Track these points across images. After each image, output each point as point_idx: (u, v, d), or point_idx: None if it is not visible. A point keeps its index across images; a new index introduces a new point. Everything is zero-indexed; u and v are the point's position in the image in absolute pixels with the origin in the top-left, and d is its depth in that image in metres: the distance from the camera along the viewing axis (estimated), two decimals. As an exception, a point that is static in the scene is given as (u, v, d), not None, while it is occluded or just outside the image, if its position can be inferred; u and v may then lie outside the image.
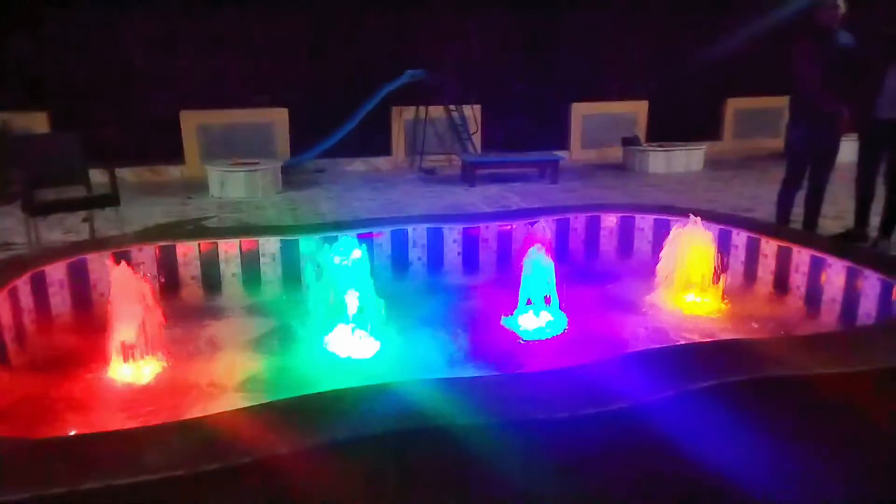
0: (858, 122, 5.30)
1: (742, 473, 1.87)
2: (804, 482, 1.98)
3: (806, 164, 5.44)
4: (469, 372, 2.72)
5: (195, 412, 2.32)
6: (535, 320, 3.16)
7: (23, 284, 2.97)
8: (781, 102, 11.69)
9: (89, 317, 3.17)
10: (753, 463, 1.90)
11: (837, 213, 6.31)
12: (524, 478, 1.73)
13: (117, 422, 2.33)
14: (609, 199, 8.06)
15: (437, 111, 10.89)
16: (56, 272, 3.19)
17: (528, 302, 3.19)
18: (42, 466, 1.46)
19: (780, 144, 11.39)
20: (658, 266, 3.53)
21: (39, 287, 3.09)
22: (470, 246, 4.05)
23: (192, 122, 10.09)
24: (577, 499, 1.80)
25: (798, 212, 5.56)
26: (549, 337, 3.08)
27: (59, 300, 3.20)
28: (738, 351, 2.11)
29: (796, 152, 5.49)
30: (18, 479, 1.42)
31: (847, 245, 4.24)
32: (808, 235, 4.07)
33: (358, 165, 10.95)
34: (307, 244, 3.72)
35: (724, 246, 3.74)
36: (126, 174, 9.32)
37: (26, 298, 2.98)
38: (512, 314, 3.22)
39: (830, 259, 3.18)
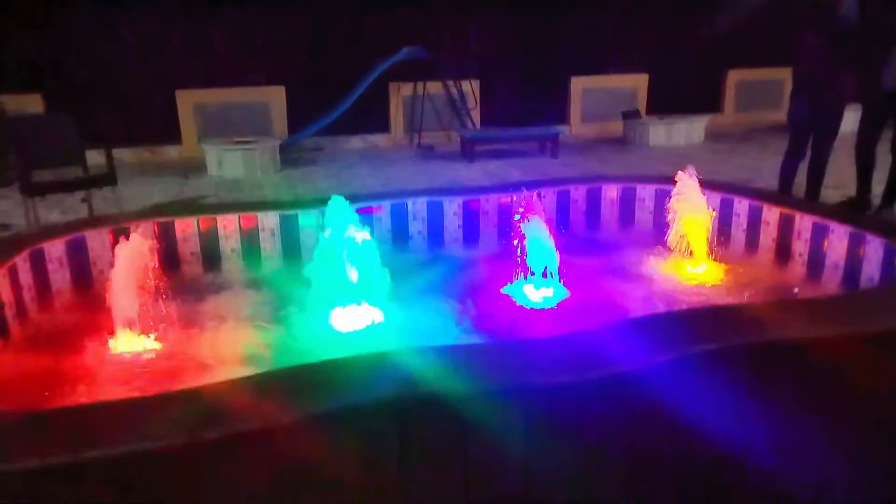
0: (862, 92, 5.24)
1: (741, 436, 1.87)
2: (803, 444, 1.98)
3: (808, 135, 5.39)
4: (470, 341, 2.72)
5: (196, 385, 2.32)
6: (535, 291, 3.16)
7: (22, 262, 2.96)
8: (783, 74, 11.57)
9: (89, 293, 3.17)
10: (753, 426, 1.90)
11: (838, 183, 6.26)
12: (525, 444, 1.73)
13: (118, 395, 2.33)
14: (610, 172, 8.01)
15: (435, 87, 10.78)
16: (55, 249, 3.18)
17: (529, 273, 3.18)
18: (43, 437, 1.46)
19: (782, 117, 11.31)
20: (663, 234, 3.51)
21: (39, 264, 3.08)
22: (470, 219, 4.03)
23: (188, 101, 10.00)
24: (577, 464, 1.80)
25: (800, 182, 5.53)
26: (550, 306, 3.07)
27: (59, 277, 3.19)
28: (738, 315, 2.10)
29: (798, 123, 5.44)
30: (20, 450, 1.42)
31: (849, 211, 4.22)
32: (811, 203, 4.04)
33: (356, 143, 10.88)
34: (306, 219, 3.70)
35: (725, 214, 3.72)
36: (123, 155, 9.26)
37: (26, 276, 2.97)
38: (512, 284, 3.21)
39: (833, 225, 3.17)
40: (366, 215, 3.79)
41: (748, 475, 1.94)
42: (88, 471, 1.42)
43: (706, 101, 12.24)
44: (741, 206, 3.73)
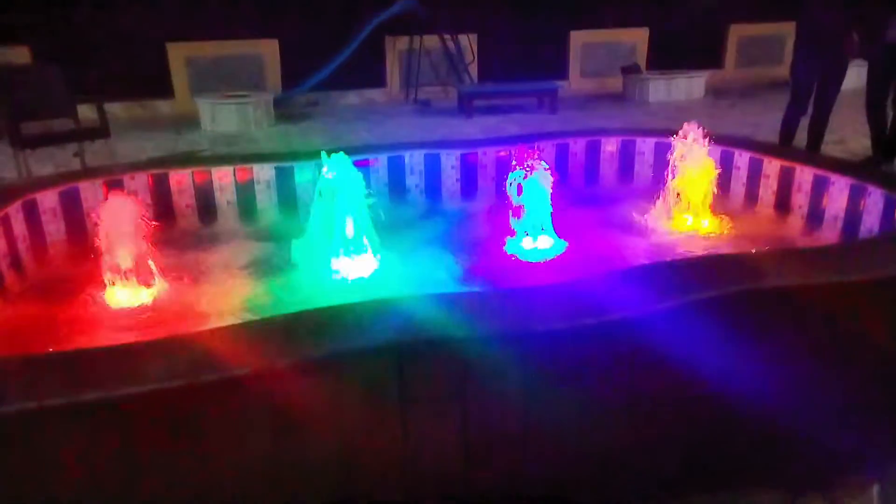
0: (866, 49, 5.15)
1: (738, 381, 1.88)
2: (799, 387, 2.00)
3: (811, 89, 5.31)
4: (466, 290, 2.71)
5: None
6: (532, 243, 3.14)
7: (15, 212, 2.93)
8: (786, 29, 11.39)
9: (84, 244, 3.14)
10: (750, 370, 1.91)
11: (839, 138, 6.22)
12: (524, 388, 1.74)
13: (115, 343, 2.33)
14: (609, 127, 7.92)
15: (431, 41, 10.57)
16: (48, 200, 3.14)
17: (526, 226, 3.16)
18: (41, 380, 1.45)
19: (785, 73, 11.18)
20: (662, 187, 3.48)
21: (32, 215, 3.04)
22: (468, 172, 3.98)
23: (179, 55, 9.81)
24: (576, 408, 1.81)
25: (801, 137, 5.47)
26: (547, 259, 3.06)
27: (54, 228, 3.16)
28: (736, 263, 2.09)
29: (802, 78, 5.35)
30: (19, 392, 1.41)
31: (849, 163, 4.19)
32: (811, 155, 4.00)
33: (352, 98, 10.72)
34: (302, 171, 3.66)
35: (725, 166, 3.69)
36: (115, 109, 9.10)
37: (20, 226, 2.94)
38: (510, 238, 3.19)
39: (834, 177, 3.14)
40: (363, 168, 3.74)
41: (745, 418, 1.96)
42: (86, 413, 1.42)
43: (707, 56, 12.05)
44: (741, 159, 3.70)
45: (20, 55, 8.99)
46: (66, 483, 1.47)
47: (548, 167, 3.13)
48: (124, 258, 2.68)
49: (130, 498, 1.51)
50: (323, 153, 2.92)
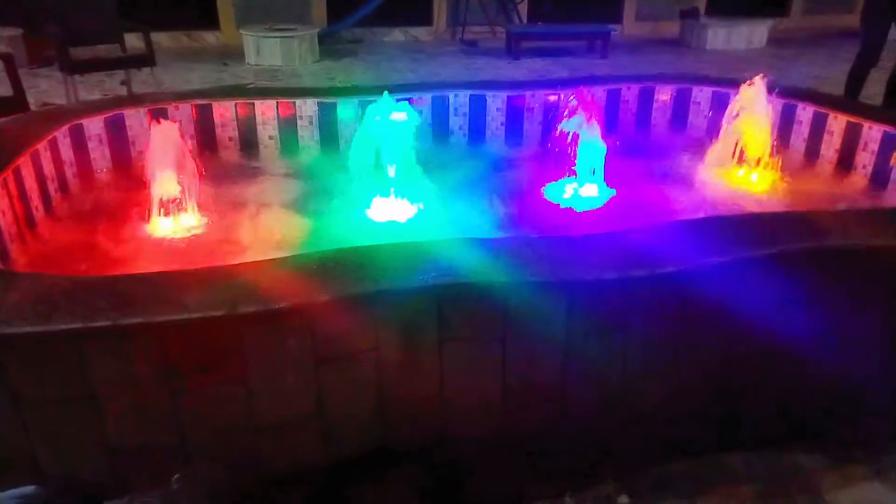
0: None
1: (788, 344, 1.82)
2: (852, 357, 1.92)
3: (884, 39, 4.94)
4: (509, 235, 2.66)
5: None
6: (580, 190, 3.05)
7: (62, 136, 2.95)
8: (860, -27, 10.67)
9: (128, 171, 3.16)
10: (802, 335, 1.84)
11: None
12: (565, 335, 1.70)
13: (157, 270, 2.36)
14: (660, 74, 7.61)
15: (481, -23, 10.21)
16: (94, 126, 3.16)
17: (573, 173, 3.07)
18: (87, 301, 1.47)
19: (854, 22, 10.52)
20: (717, 140, 3.33)
21: (79, 140, 3.07)
22: (514, 115, 3.87)
23: (226, -16, 9.67)
24: (618, 359, 1.77)
25: (870, 93, 5.14)
26: (594, 207, 2.97)
27: (99, 154, 3.19)
28: (797, 221, 1.99)
29: (874, 27, 4.97)
30: (66, 312, 1.43)
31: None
32: (881, 110, 3.76)
33: (397, 35, 10.48)
34: (345, 108, 3.60)
35: (786, 120, 3.50)
36: (161, 39, 9.08)
37: (66, 150, 2.97)
38: (556, 183, 3.11)
39: (905, 135, 2.95)
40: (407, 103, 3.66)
41: (792, 378, 1.90)
42: (129, 336, 1.43)
43: (772, 2, 11.38)
44: (805, 113, 3.50)
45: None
46: (108, 402, 1.50)
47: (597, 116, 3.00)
48: (168, 187, 2.69)
49: (170, 421, 1.54)
50: (386, 93, 2.85)
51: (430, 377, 1.69)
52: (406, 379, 1.68)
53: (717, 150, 3.35)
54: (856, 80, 5.12)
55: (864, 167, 3.18)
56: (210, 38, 9.86)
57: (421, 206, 2.88)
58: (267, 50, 8.24)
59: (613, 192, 3.05)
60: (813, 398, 1.95)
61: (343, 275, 1.62)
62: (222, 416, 1.58)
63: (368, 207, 2.87)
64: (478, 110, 3.85)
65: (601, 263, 1.68)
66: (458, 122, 3.85)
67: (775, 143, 3.29)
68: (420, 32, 10.58)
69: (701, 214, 2.88)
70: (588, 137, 3.01)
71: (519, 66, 8.31)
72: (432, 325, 1.63)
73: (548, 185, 3.13)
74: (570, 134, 3.03)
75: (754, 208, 2.95)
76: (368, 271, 1.64)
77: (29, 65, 7.58)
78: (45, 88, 6.56)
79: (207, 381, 1.53)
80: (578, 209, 2.97)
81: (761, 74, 3.27)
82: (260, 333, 1.51)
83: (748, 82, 3.28)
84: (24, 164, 2.53)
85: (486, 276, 1.62)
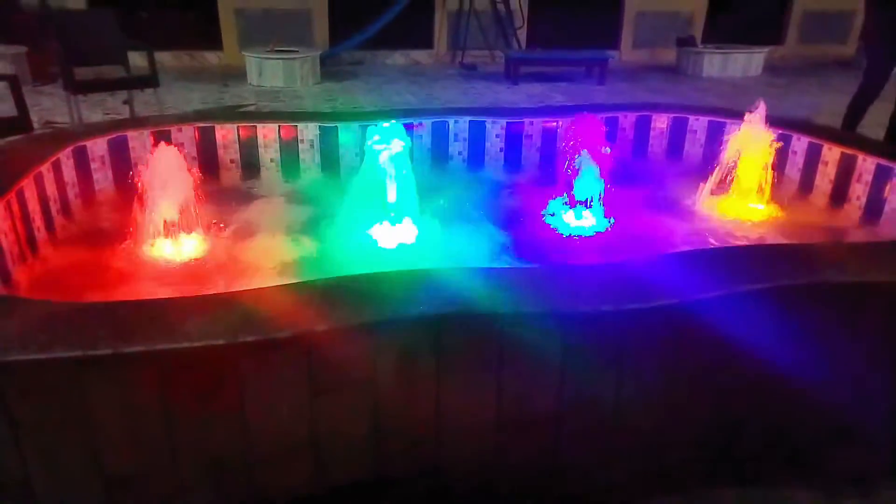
0: None
1: (781, 377, 1.83)
2: (845, 390, 1.93)
3: (890, 69, 4.88)
4: (506, 264, 2.69)
5: (234, 289, 2.34)
6: (576, 218, 3.08)
7: (65, 158, 2.98)
8: (853, 4, 10.84)
9: (130, 193, 3.18)
10: (796, 368, 1.85)
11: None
12: (561, 367, 1.71)
13: (157, 294, 2.37)
14: (658, 101, 7.71)
15: (482, 3, 10.36)
16: (97, 147, 3.19)
17: (572, 201, 3.10)
18: (87, 329, 1.48)
19: (848, 51, 10.67)
20: (713, 169, 3.36)
21: (82, 161, 3.10)
22: (513, 142, 3.91)
23: (229, 6, 9.79)
24: (613, 390, 1.78)
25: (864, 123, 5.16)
26: (591, 235, 3.00)
27: (101, 175, 3.21)
28: (791, 255, 2.01)
29: (879, 52, 4.88)
30: (65, 340, 1.44)
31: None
32: (874, 143, 3.81)
33: (397, 58, 10.61)
34: (346, 132, 3.64)
35: (781, 150, 3.55)
36: (164, 58, 9.19)
37: (69, 172, 3.00)
38: (553, 210, 3.14)
39: (898, 168, 2.99)
40: (406, 131, 3.70)
41: (786, 412, 1.91)
42: (128, 364, 1.44)
43: (767, 31, 11.56)
44: (799, 143, 3.55)
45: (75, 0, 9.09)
46: (105, 431, 1.50)
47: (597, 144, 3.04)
48: (169, 210, 2.71)
49: (166, 451, 1.54)
50: (380, 122, 2.88)
51: (426, 407, 1.69)
52: (402, 408, 1.69)
53: (713, 180, 3.39)
54: (854, 113, 5.07)
55: (857, 198, 3.22)
56: (212, 58, 9.98)
57: (419, 231, 2.90)
58: (269, 71, 8.32)
59: (611, 220, 3.08)
60: (808, 432, 1.96)
61: (343, 304, 1.64)
62: (217, 444, 1.58)
63: (368, 232, 2.89)
64: (477, 136, 3.89)
65: (597, 295, 1.69)
66: (457, 148, 3.89)
67: (771, 174, 3.34)
68: (421, 55, 10.71)
69: (697, 244, 2.92)
70: (586, 165, 3.05)
71: (517, 90, 8.40)
72: (430, 356, 1.64)
73: (546, 211, 3.16)
74: (568, 161, 3.07)
75: (750, 238, 2.99)
76: (368, 301, 1.65)
77: (33, 82, 7.64)
78: (48, 106, 6.62)
79: (204, 410, 1.53)
80: (577, 236, 3.00)
81: (758, 105, 3.33)
82: (258, 362, 1.52)
83: (745, 113, 3.33)
84: (28, 185, 2.55)
85: (484, 307, 1.64)
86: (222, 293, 1.73)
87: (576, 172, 3.06)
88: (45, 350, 1.40)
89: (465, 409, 1.72)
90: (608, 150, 3.06)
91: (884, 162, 3.09)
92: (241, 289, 2.17)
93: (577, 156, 3.03)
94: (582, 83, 8.97)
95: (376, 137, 2.79)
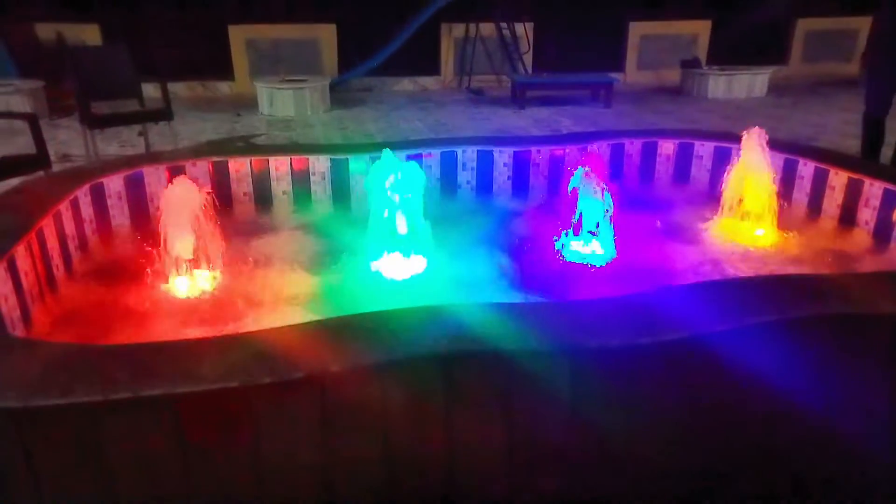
0: None
1: (799, 408, 1.84)
2: (856, 423, 1.94)
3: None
4: (516, 295, 2.71)
5: (248, 325, 2.39)
6: (585, 247, 3.11)
7: (83, 195, 3.05)
8: (857, 24, 10.90)
9: (147, 228, 3.25)
10: (811, 399, 1.86)
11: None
12: (570, 403, 1.73)
13: (173, 330, 2.41)
14: (664, 124, 7.76)
15: (487, 28, 10.50)
16: (114, 184, 3.26)
17: (579, 230, 3.13)
18: (106, 372, 1.52)
19: (853, 70, 10.69)
20: (720, 194, 3.39)
21: (99, 198, 3.17)
22: (520, 170, 3.96)
23: (240, 37, 9.98)
24: (623, 425, 1.80)
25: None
26: (599, 264, 3.03)
27: (118, 212, 3.28)
28: (801, 286, 2.03)
29: (880, 66, 4.76)
30: (85, 384, 1.48)
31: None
32: (881, 167, 3.83)
33: (406, 84, 10.75)
34: (357, 163, 3.70)
35: (788, 175, 3.57)
36: (177, 88, 9.37)
37: (87, 209, 3.07)
38: (561, 239, 3.17)
39: (905, 193, 3.01)
40: (415, 161, 3.76)
41: (797, 446, 1.92)
42: (146, 407, 1.48)
43: (771, 51, 11.62)
44: (806, 168, 3.57)
45: (90, 33, 9.31)
46: (122, 472, 1.54)
47: (602, 176, 3.08)
48: (184, 246, 2.76)
49: (183, 493, 1.57)
50: (386, 150, 2.93)
51: (437, 444, 1.71)
52: (414, 446, 1.71)
53: (720, 205, 3.41)
54: (870, 132, 4.91)
55: (866, 223, 3.23)
56: (224, 87, 10.15)
57: (429, 261, 2.94)
58: (280, 101, 8.45)
59: (618, 248, 3.10)
60: (815, 465, 1.96)
61: (353, 343, 1.67)
62: (231, 485, 1.61)
63: (379, 263, 2.93)
64: (485, 165, 3.94)
65: (605, 330, 1.72)
66: (465, 177, 3.94)
67: (778, 199, 3.36)
68: (428, 81, 10.84)
69: (705, 271, 2.93)
70: (594, 194, 3.08)
71: (524, 115, 8.48)
72: (440, 393, 1.67)
73: (554, 239, 3.19)
74: (575, 189, 3.11)
75: (758, 265, 3.00)
76: (378, 339, 1.69)
77: (50, 116, 7.81)
78: (64, 139, 6.75)
79: (218, 451, 1.56)
80: (584, 264, 3.02)
81: (759, 129, 3.36)
82: (272, 404, 1.55)
83: (746, 137, 3.36)
84: (47, 224, 2.62)
85: (493, 345, 1.67)
86: (236, 334, 1.77)
87: (581, 200, 3.09)
88: (65, 395, 1.44)
89: (475, 445, 1.74)
90: (611, 184, 3.09)
91: (891, 186, 3.11)
92: (256, 325, 2.23)
93: (582, 184, 3.07)
94: (588, 106, 9.04)
95: (391, 178, 2.84)
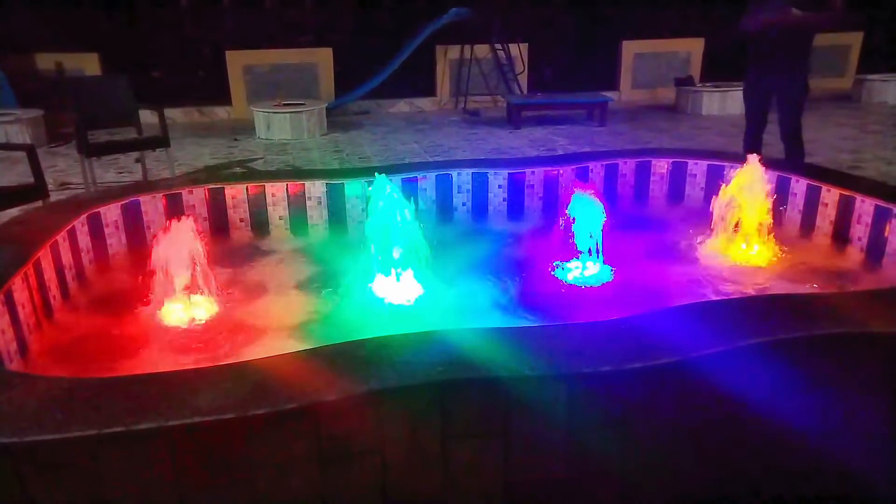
0: None
1: (793, 430, 1.84)
2: (854, 446, 1.94)
3: (763, 105, 5.28)
4: (512, 318, 2.72)
5: (244, 353, 2.39)
6: (580, 268, 3.12)
7: (80, 225, 3.07)
8: (850, 39, 11.02)
9: (143, 257, 3.26)
10: (805, 420, 1.86)
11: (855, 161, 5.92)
12: (567, 428, 1.74)
13: (169, 358, 2.42)
14: (659, 142, 7.81)
15: (482, 50, 10.61)
16: (111, 213, 3.28)
17: (574, 251, 3.14)
18: (102, 406, 1.53)
19: (846, 85, 10.80)
20: (711, 213, 3.41)
21: (96, 228, 3.19)
22: (515, 191, 3.98)
23: (237, 63, 10.08)
24: (622, 453, 1.80)
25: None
26: (595, 285, 3.04)
27: (115, 240, 3.30)
28: (794, 306, 2.04)
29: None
30: (81, 418, 1.49)
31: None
32: (874, 184, 3.85)
33: (402, 107, 10.83)
34: (352, 188, 3.73)
35: (781, 193, 3.60)
36: (175, 114, 9.44)
37: (84, 238, 3.08)
38: (557, 261, 3.18)
39: (897, 209, 3.02)
40: (410, 184, 3.79)
41: (790, 460, 1.91)
42: (142, 440, 1.48)
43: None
44: (798, 186, 3.60)
45: (90, 61, 9.41)
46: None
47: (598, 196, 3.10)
48: (181, 274, 2.77)
49: (180, 523, 1.57)
50: (377, 174, 2.96)
51: (433, 474, 1.71)
52: (410, 476, 1.71)
53: (714, 224, 3.43)
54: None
55: (859, 239, 3.25)
56: (221, 112, 10.23)
57: (425, 285, 2.95)
58: (277, 125, 8.52)
59: (614, 268, 3.12)
60: (811, 486, 1.96)
61: (349, 372, 1.68)
62: (231, 515, 1.61)
63: (374, 288, 2.94)
64: (480, 187, 3.97)
65: (601, 356, 1.72)
66: (461, 199, 3.97)
67: (771, 217, 3.37)
68: (424, 103, 10.93)
69: (701, 290, 2.95)
70: (588, 216, 3.10)
71: (520, 135, 8.54)
72: (436, 422, 1.67)
73: (549, 261, 3.20)
74: (571, 213, 3.13)
75: (753, 283, 3.01)
76: (373, 368, 1.69)
77: (48, 143, 7.87)
78: (62, 167, 6.79)
79: (213, 483, 1.56)
80: (579, 286, 3.04)
81: (750, 156, 3.39)
82: (268, 434, 1.55)
83: (737, 165, 3.39)
84: (44, 255, 2.63)
85: (488, 372, 1.67)
86: (230, 364, 1.77)
87: (576, 221, 3.11)
88: (61, 429, 1.44)
89: (471, 474, 1.74)
90: (606, 204, 3.11)
91: (881, 203, 3.13)
92: (251, 353, 2.23)
93: (576, 206, 3.09)
94: (583, 125, 9.11)
95: (381, 204, 2.86)
